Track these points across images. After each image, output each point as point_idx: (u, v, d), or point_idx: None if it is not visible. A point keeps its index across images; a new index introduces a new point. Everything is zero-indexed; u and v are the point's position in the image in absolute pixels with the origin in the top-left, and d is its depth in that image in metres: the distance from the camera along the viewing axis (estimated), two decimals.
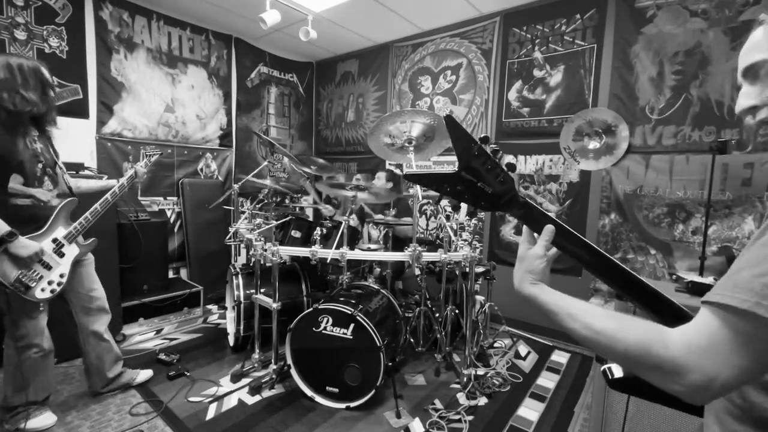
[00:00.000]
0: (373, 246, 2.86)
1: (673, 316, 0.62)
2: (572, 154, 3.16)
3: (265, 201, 2.90)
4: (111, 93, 3.37)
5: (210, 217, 3.89)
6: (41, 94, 1.79)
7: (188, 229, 3.85)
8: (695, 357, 0.48)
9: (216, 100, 4.13)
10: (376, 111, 4.53)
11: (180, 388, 2.29)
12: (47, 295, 1.80)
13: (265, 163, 4.31)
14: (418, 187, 2.41)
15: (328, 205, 3.46)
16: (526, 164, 3.41)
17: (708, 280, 1.98)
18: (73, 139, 3.14)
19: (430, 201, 3.96)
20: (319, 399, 2.17)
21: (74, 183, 2.07)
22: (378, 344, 2.01)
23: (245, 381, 2.38)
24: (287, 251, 2.35)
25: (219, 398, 2.22)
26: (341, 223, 2.33)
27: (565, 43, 3.17)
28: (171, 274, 3.75)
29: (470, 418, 2.11)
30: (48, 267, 1.83)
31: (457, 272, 2.75)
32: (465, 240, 2.42)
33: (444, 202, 2.83)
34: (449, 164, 3.79)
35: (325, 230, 2.47)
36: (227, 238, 3.08)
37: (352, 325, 2.09)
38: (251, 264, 2.76)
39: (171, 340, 2.96)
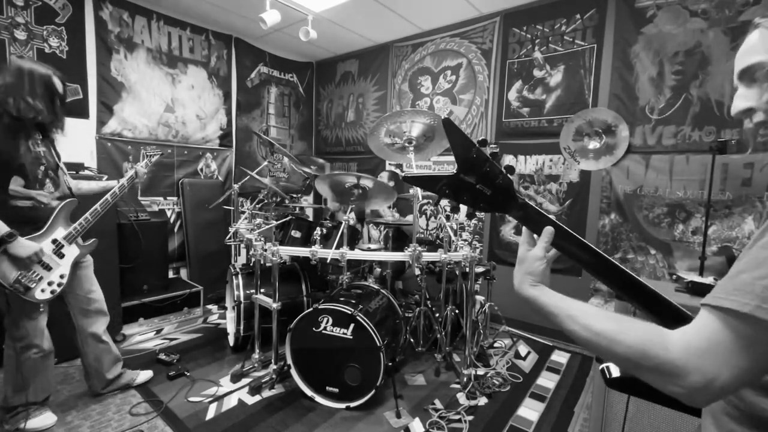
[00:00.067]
0: (373, 246, 2.86)
1: (672, 317, 0.62)
2: (572, 154, 3.16)
3: (265, 201, 2.90)
4: (111, 93, 3.37)
5: (210, 217, 3.89)
6: (48, 102, 1.80)
7: (188, 229, 3.85)
8: (694, 359, 0.48)
9: (216, 100, 4.13)
10: (376, 111, 4.53)
11: (180, 388, 2.30)
12: (47, 296, 1.80)
13: (265, 163, 4.30)
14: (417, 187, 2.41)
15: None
16: (526, 164, 3.41)
17: (708, 280, 1.98)
18: (73, 139, 3.12)
19: (430, 201, 3.96)
20: (319, 399, 2.18)
21: (74, 184, 2.07)
22: (378, 344, 2.01)
23: (245, 381, 2.39)
24: (287, 251, 2.35)
25: (219, 398, 2.22)
26: (341, 223, 2.33)
27: (565, 43, 3.17)
28: (171, 274, 3.75)
29: (470, 418, 2.11)
30: (48, 268, 1.83)
31: (457, 272, 2.76)
32: (465, 240, 2.42)
33: (444, 203, 2.84)
34: (449, 164, 3.79)
35: (325, 230, 2.47)
36: (227, 238, 3.08)
37: (352, 325, 2.09)
38: (251, 264, 2.76)
39: (171, 340, 2.96)
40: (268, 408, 2.15)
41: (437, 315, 2.73)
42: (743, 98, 0.60)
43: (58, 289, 1.85)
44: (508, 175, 0.71)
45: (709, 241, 2.47)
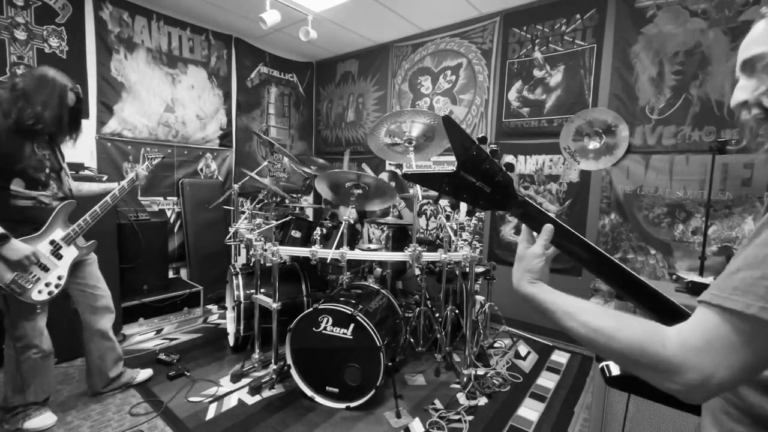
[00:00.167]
0: (373, 246, 2.86)
1: (671, 315, 0.62)
2: (572, 154, 3.16)
3: (265, 201, 2.90)
4: (111, 93, 3.37)
5: (210, 217, 3.89)
6: (56, 114, 1.81)
7: (188, 229, 3.85)
8: (691, 356, 0.48)
9: (216, 100, 4.13)
10: (376, 111, 4.53)
11: (180, 388, 2.30)
12: (44, 297, 1.80)
13: (265, 163, 4.30)
14: (418, 187, 2.41)
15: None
16: (526, 164, 3.41)
17: (708, 280, 1.98)
18: None
19: (430, 201, 3.96)
20: (319, 399, 2.18)
21: (75, 186, 2.09)
22: (378, 344, 2.01)
23: (245, 381, 2.39)
24: (287, 251, 2.35)
25: (219, 398, 2.22)
26: (341, 223, 2.33)
27: (565, 43, 3.17)
28: (171, 274, 3.75)
29: (470, 418, 2.11)
30: (45, 269, 1.83)
31: (457, 272, 2.76)
32: (465, 240, 2.42)
33: (443, 202, 2.84)
34: (449, 164, 3.79)
35: (325, 230, 2.47)
36: (227, 238, 3.08)
37: (352, 325, 2.09)
38: (251, 264, 2.76)
39: (171, 340, 2.96)
40: (268, 408, 2.15)
41: (437, 315, 2.73)
42: (743, 90, 0.59)
43: (56, 291, 1.85)
44: (508, 173, 0.71)
45: (709, 241, 2.47)
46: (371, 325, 2.04)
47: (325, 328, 2.13)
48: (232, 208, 3.40)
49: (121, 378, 2.26)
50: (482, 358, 2.71)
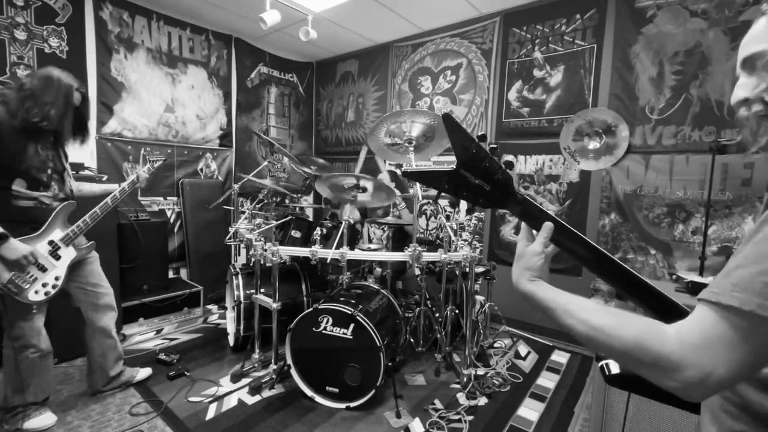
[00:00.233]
0: (373, 246, 2.86)
1: (672, 313, 0.62)
2: (572, 154, 3.16)
3: (265, 201, 2.90)
4: (111, 93, 3.37)
5: (210, 217, 3.89)
6: (60, 113, 1.82)
7: (188, 229, 3.85)
8: (690, 353, 0.48)
9: (216, 100, 4.13)
10: (376, 111, 4.53)
11: (180, 388, 2.30)
12: (40, 297, 1.81)
13: (265, 163, 4.30)
14: (417, 186, 2.41)
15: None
16: (526, 164, 3.41)
17: (708, 280, 1.98)
18: None
19: (430, 201, 3.96)
20: (319, 399, 2.18)
21: (76, 186, 2.09)
22: (378, 344, 2.01)
23: (245, 381, 2.39)
24: (287, 251, 2.35)
25: (219, 398, 2.22)
26: (341, 223, 2.33)
27: (565, 43, 3.17)
28: (171, 274, 3.75)
29: (470, 418, 2.11)
30: (43, 269, 1.83)
31: (457, 272, 2.75)
32: (465, 240, 2.42)
33: (443, 202, 2.84)
34: (449, 164, 3.78)
35: (325, 230, 2.47)
36: (227, 238, 3.08)
37: (352, 325, 2.09)
38: (251, 264, 2.76)
39: (171, 340, 2.96)
40: (268, 408, 2.15)
41: (437, 315, 2.73)
42: (743, 87, 0.59)
43: (53, 291, 1.85)
44: (507, 171, 0.71)
45: (709, 241, 2.47)
46: (371, 325, 2.04)
47: (325, 328, 2.13)
48: (232, 208, 3.40)
49: (120, 377, 2.26)
50: (482, 358, 2.71)
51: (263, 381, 2.32)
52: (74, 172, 2.51)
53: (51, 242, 1.87)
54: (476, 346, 2.73)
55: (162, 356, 2.58)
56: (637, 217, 2.88)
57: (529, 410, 2.21)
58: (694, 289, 2.00)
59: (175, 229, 3.89)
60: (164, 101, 3.71)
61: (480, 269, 2.85)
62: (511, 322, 3.19)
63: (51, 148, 1.90)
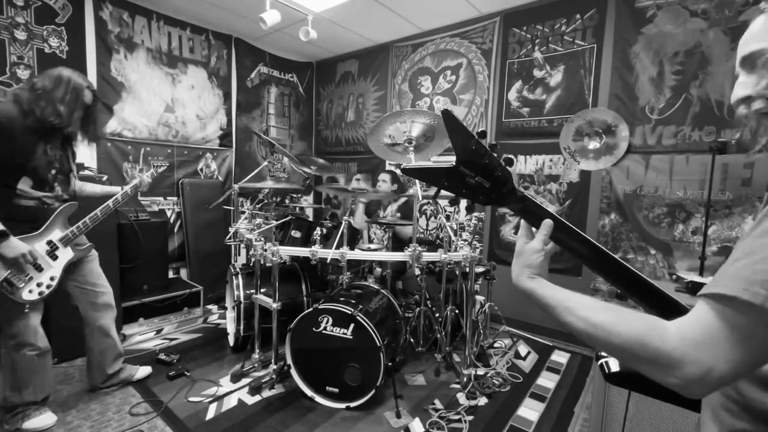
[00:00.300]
0: (373, 246, 2.86)
1: (672, 311, 0.62)
2: (572, 154, 3.16)
3: (265, 201, 2.90)
4: (111, 93, 3.37)
5: (210, 217, 3.89)
6: (71, 111, 1.83)
7: (188, 229, 3.85)
8: (691, 350, 0.48)
9: (216, 100, 4.13)
10: (376, 111, 4.53)
11: (180, 388, 2.29)
12: (34, 297, 1.80)
13: (265, 163, 4.30)
14: (417, 186, 2.41)
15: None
16: (526, 164, 3.41)
17: (708, 280, 1.98)
18: None
19: (430, 201, 3.96)
20: (319, 399, 2.17)
21: (79, 186, 2.11)
22: (378, 344, 2.01)
23: (245, 381, 2.38)
24: (287, 251, 2.35)
25: (219, 398, 2.22)
26: (341, 222, 2.33)
27: (565, 43, 3.17)
28: (171, 274, 3.75)
29: (470, 418, 2.11)
30: (39, 269, 1.83)
31: (457, 272, 2.75)
32: (465, 240, 2.42)
33: (443, 202, 2.84)
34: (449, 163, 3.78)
35: (325, 230, 2.47)
36: (227, 238, 3.07)
37: (352, 325, 2.09)
38: (251, 264, 2.76)
39: (171, 340, 2.96)
40: (268, 408, 2.15)
41: (437, 315, 2.73)
42: (743, 86, 0.59)
43: (47, 291, 1.85)
44: (507, 168, 0.71)
45: (709, 241, 2.47)
46: (371, 325, 2.04)
47: (325, 328, 2.13)
48: (232, 208, 3.40)
49: (120, 374, 2.27)
50: (482, 358, 2.71)
51: (263, 381, 2.32)
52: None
53: (50, 242, 1.87)
54: (476, 346, 2.72)
55: (162, 356, 2.58)
56: (637, 217, 2.88)
57: (529, 410, 2.21)
58: (694, 289, 2.00)
59: (175, 229, 3.89)
60: (164, 101, 3.71)
61: (480, 269, 2.85)
62: (511, 322, 3.19)
63: (59, 149, 1.92)
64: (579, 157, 3.13)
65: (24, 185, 1.78)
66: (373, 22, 3.84)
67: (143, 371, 2.37)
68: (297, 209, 3.20)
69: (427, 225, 4.04)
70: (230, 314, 2.90)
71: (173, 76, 3.77)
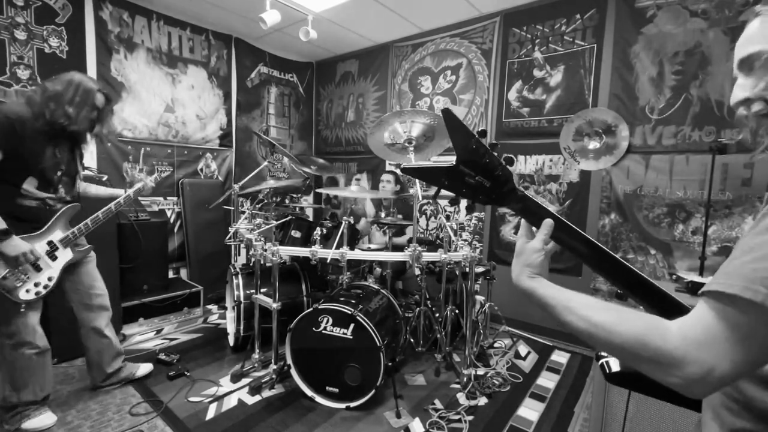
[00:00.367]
0: (373, 246, 2.86)
1: (673, 310, 0.62)
2: (572, 154, 3.16)
3: (265, 201, 2.90)
4: (111, 93, 3.35)
5: (210, 217, 3.89)
6: (80, 113, 1.84)
7: (188, 229, 3.85)
8: (692, 349, 0.48)
9: (216, 100, 4.13)
10: (376, 111, 4.53)
11: (180, 388, 2.29)
12: (31, 296, 1.81)
13: (265, 163, 4.30)
14: (418, 186, 2.41)
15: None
16: (526, 164, 3.41)
17: (707, 280, 1.98)
18: None
19: (430, 201, 3.96)
20: (319, 399, 2.17)
21: (83, 188, 2.12)
22: (378, 344, 2.01)
23: (245, 381, 2.38)
24: (287, 251, 2.35)
25: (219, 398, 2.21)
26: (341, 222, 2.33)
27: (565, 43, 3.17)
28: (171, 274, 3.75)
29: (470, 418, 2.11)
30: (38, 269, 1.84)
31: (457, 272, 2.75)
32: (465, 240, 2.42)
33: (443, 202, 2.83)
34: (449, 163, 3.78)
35: (325, 230, 2.47)
36: (227, 238, 3.07)
37: (352, 325, 2.09)
38: (251, 264, 2.76)
39: (171, 340, 2.96)
40: (268, 408, 2.14)
41: (437, 315, 2.73)
42: (742, 88, 0.59)
43: (44, 291, 1.85)
44: (508, 167, 0.71)
45: (709, 241, 2.47)
46: (371, 325, 2.04)
47: (325, 328, 2.13)
48: (232, 208, 3.40)
49: (120, 373, 2.27)
50: (482, 358, 2.71)
51: (263, 381, 2.32)
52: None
53: (50, 242, 1.88)
54: (476, 346, 2.72)
55: (162, 356, 2.58)
56: (637, 217, 2.88)
57: (529, 410, 2.21)
58: (694, 289, 2.00)
59: (175, 229, 3.89)
60: (164, 101, 3.71)
61: (480, 269, 2.85)
62: (511, 322, 3.19)
63: (67, 151, 1.93)
64: (579, 157, 3.13)
65: (29, 185, 1.80)
66: (373, 22, 3.84)
67: (144, 369, 2.38)
68: (297, 209, 3.20)
69: (427, 225, 4.04)
70: (230, 314, 2.90)
71: (173, 76, 3.77)
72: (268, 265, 2.34)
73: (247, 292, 2.63)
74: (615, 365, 0.72)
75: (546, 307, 0.64)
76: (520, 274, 0.69)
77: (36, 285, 1.82)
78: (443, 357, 2.65)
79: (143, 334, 3.02)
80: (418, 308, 2.73)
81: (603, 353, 0.79)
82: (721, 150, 2.26)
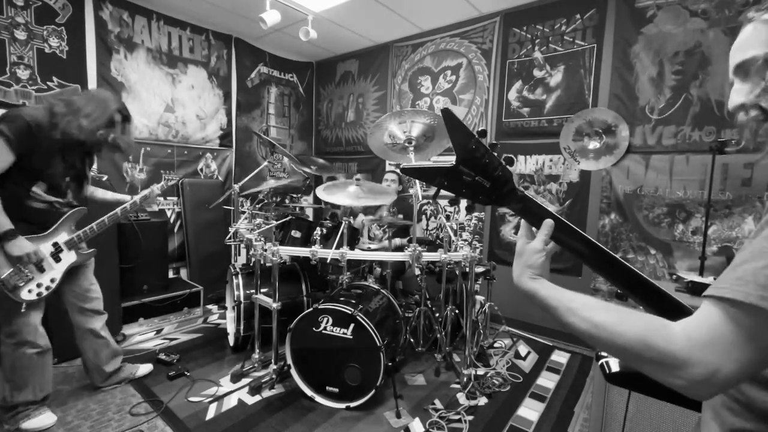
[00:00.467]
0: (373, 246, 2.86)
1: (674, 311, 0.62)
2: (572, 154, 3.16)
3: (265, 201, 2.90)
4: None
5: (210, 217, 3.89)
6: (95, 129, 1.84)
7: (188, 229, 3.85)
8: (697, 351, 0.47)
9: (216, 100, 4.13)
10: (376, 111, 4.53)
11: (180, 388, 2.29)
12: (33, 297, 1.81)
13: (265, 163, 4.30)
14: (418, 186, 2.41)
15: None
16: (526, 164, 3.41)
17: (708, 280, 1.98)
18: None
19: (430, 201, 3.96)
20: (319, 399, 2.17)
21: (90, 192, 2.14)
22: (378, 344, 2.01)
23: (245, 381, 2.38)
24: (287, 251, 2.35)
25: (219, 398, 2.21)
26: (341, 222, 2.33)
27: (565, 43, 3.17)
28: (171, 274, 3.75)
29: (470, 418, 2.11)
30: (41, 270, 1.84)
31: (457, 272, 2.75)
32: (465, 240, 2.42)
33: (443, 202, 2.83)
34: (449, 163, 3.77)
35: (325, 230, 2.47)
36: (227, 238, 3.07)
37: (352, 325, 2.09)
38: (251, 264, 2.76)
39: (171, 340, 2.96)
40: (268, 408, 2.14)
41: (437, 315, 2.73)
42: (738, 93, 0.60)
43: (45, 293, 1.86)
44: (508, 167, 0.71)
45: (709, 241, 2.46)
46: (371, 325, 2.04)
47: (325, 328, 2.13)
48: (232, 208, 3.40)
49: (120, 373, 2.27)
50: (482, 358, 2.71)
51: (263, 381, 2.32)
52: None
53: (55, 244, 1.89)
54: (476, 346, 2.72)
55: (162, 356, 2.58)
56: (637, 217, 2.88)
57: (529, 410, 2.21)
58: (694, 289, 2.00)
59: (175, 229, 3.89)
60: (164, 101, 3.71)
61: (480, 269, 2.85)
62: (511, 322, 3.19)
63: (77, 158, 1.95)
64: (579, 157, 3.13)
65: (38, 188, 1.82)
66: (373, 22, 3.84)
67: (144, 369, 2.38)
68: (297, 209, 3.20)
69: (427, 225, 4.04)
70: (230, 314, 2.90)
71: (173, 76, 3.77)
72: (268, 265, 2.34)
73: (247, 292, 2.63)
74: (615, 365, 0.71)
75: (548, 309, 0.64)
76: (521, 275, 0.69)
77: (38, 285, 1.83)
78: (443, 357, 2.65)
79: (143, 334, 3.02)
80: (418, 308, 2.73)
81: (603, 353, 0.79)
82: (721, 150, 2.26)
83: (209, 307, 3.62)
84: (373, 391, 2.06)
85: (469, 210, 2.73)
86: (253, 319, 2.50)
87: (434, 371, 2.59)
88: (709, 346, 0.47)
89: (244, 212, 2.85)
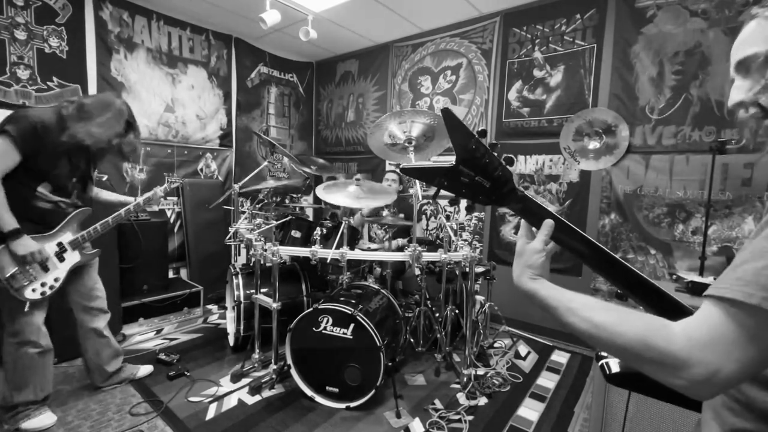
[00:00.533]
0: (373, 246, 2.86)
1: (674, 311, 0.62)
2: (572, 154, 3.15)
3: (265, 201, 2.90)
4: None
5: (210, 217, 3.89)
6: (102, 135, 1.85)
7: (188, 229, 3.85)
8: (697, 351, 0.47)
9: (216, 100, 4.13)
10: (376, 111, 4.53)
11: (180, 388, 2.29)
12: (36, 296, 1.82)
13: (265, 163, 4.30)
14: (418, 186, 2.41)
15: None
16: (526, 164, 3.41)
17: (708, 280, 1.98)
18: None
19: (430, 201, 3.96)
20: (319, 399, 2.17)
21: (95, 193, 2.15)
22: (378, 344, 2.01)
23: (245, 381, 2.38)
24: (287, 251, 2.35)
25: (219, 398, 2.21)
26: (341, 222, 2.32)
27: (565, 43, 3.17)
28: (171, 274, 3.75)
29: (470, 418, 2.11)
30: (45, 269, 1.85)
31: (457, 272, 2.75)
32: (465, 240, 2.42)
33: (443, 202, 2.83)
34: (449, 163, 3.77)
35: (325, 230, 2.47)
36: (227, 238, 3.07)
37: (352, 325, 2.09)
38: (251, 264, 2.76)
39: (171, 340, 2.96)
40: (268, 408, 2.14)
41: (437, 315, 2.73)
42: (737, 90, 0.59)
43: (49, 292, 1.86)
44: (508, 167, 0.70)
45: (709, 241, 2.46)
46: (371, 325, 2.04)
47: (325, 328, 2.13)
48: (232, 208, 3.39)
49: (121, 373, 2.28)
50: (482, 358, 2.71)
51: (263, 381, 2.32)
52: None
53: (59, 244, 1.90)
54: (476, 346, 2.72)
55: (162, 356, 2.58)
56: (637, 217, 2.88)
57: (529, 410, 2.21)
58: (695, 289, 2.00)
59: (175, 229, 3.89)
60: (164, 101, 3.71)
61: (480, 269, 2.85)
62: (511, 322, 3.19)
63: (83, 160, 1.95)
64: (579, 157, 3.13)
65: (44, 188, 1.82)
66: (373, 22, 3.84)
67: (144, 370, 2.38)
68: (297, 209, 3.20)
69: (427, 225, 4.04)
70: (230, 314, 2.90)
71: (173, 76, 3.77)
72: (268, 265, 2.34)
73: (247, 292, 2.63)
74: (615, 366, 0.71)
75: (548, 309, 0.64)
76: (522, 275, 0.69)
77: (42, 285, 1.84)
78: (443, 357, 2.65)
79: (143, 334, 3.02)
80: (418, 308, 2.73)
81: (603, 354, 0.79)
82: (721, 150, 2.26)
83: (209, 307, 3.62)
84: (373, 391, 2.06)
85: (469, 210, 2.73)
86: (253, 319, 2.50)
87: (434, 371, 2.59)
88: (710, 346, 0.47)
89: (244, 212, 2.85)
